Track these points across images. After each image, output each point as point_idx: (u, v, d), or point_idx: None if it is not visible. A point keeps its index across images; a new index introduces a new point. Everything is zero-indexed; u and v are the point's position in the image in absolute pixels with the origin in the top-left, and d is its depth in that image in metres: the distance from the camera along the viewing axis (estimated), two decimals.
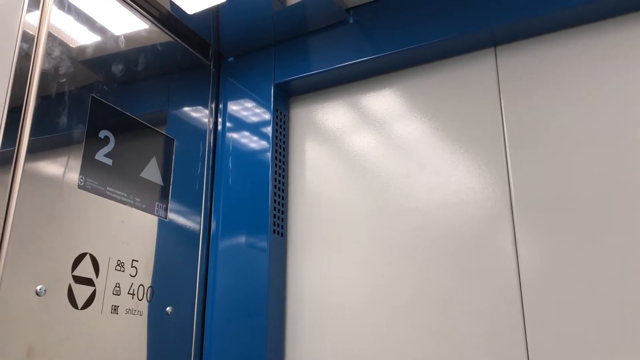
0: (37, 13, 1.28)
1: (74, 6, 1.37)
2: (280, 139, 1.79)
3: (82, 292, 1.26)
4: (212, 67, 1.91)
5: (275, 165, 1.73)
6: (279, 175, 1.74)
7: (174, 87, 1.72)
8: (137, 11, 1.59)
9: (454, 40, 1.56)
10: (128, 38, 1.53)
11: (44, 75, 1.25)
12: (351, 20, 1.71)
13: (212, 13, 1.72)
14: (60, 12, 1.33)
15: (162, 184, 1.58)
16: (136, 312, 1.41)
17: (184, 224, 1.64)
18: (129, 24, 1.56)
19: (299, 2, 1.66)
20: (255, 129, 1.79)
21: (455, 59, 1.62)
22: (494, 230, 1.41)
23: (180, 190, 1.64)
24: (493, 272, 1.39)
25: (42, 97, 1.24)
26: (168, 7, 1.65)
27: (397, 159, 1.62)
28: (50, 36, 1.29)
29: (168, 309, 1.51)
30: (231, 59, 1.93)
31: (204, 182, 1.76)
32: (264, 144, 1.75)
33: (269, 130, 1.75)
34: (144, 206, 1.49)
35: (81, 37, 1.38)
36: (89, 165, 1.33)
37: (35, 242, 1.17)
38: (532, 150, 1.43)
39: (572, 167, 1.37)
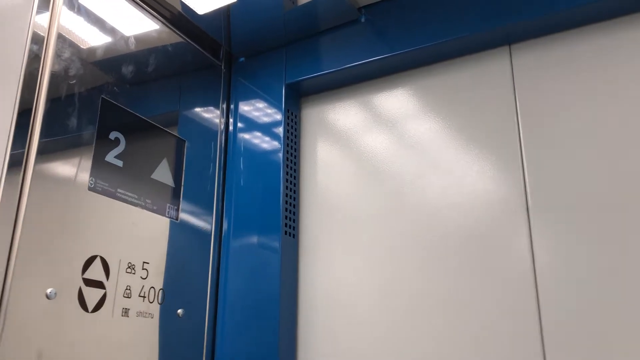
0: (47, 14, 1.27)
1: (84, 7, 1.37)
2: (292, 140, 1.77)
3: (92, 295, 1.25)
4: (223, 67, 1.90)
5: (287, 165, 1.71)
6: (291, 176, 1.73)
7: (184, 87, 1.71)
8: (148, 12, 1.58)
9: (468, 39, 1.54)
10: (138, 39, 1.53)
11: (54, 76, 1.25)
12: (363, 19, 1.69)
13: (223, 13, 1.71)
14: (70, 13, 1.33)
15: (174, 186, 1.57)
16: (147, 315, 1.40)
17: (196, 225, 1.63)
18: (139, 25, 1.55)
19: (310, 1, 1.64)
20: (266, 129, 1.77)
21: (469, 57, 1.60)
22: (510, 231, 1.39)
23: (191, 191, 1.63)
24: (509, 274, 1.36)
25: (52, 99, 1.23)
26: (179, 8, 1.64)
27: (409, 159, 1.60)
28: (60, 37, 1.28)
29: (179, 311, 1.50)
30: (242, 59, 1.92)
31: (216, 183, 1.75)
32: (275, 144, 1.73)
33: (280, 130, 1.73)
34: (155, 208, 1.48)
35: (91, 38, 1.38)
36: (99, 166, 1.32)
37: (45, 244, 1.17)
38: (549, 150, 1.40)
39: (590, 166, 1.34)
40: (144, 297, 1.40)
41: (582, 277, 1.27)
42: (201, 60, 1.80)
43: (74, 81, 1.30)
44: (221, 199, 1.75)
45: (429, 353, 1.41)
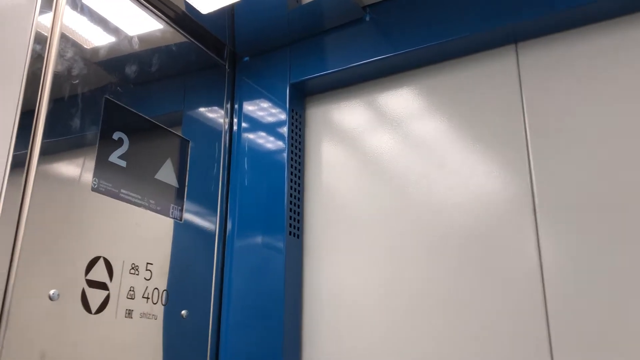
0: (50, 14, 1.27)
1: (87, 7, 1.36)
2: (296, 139, 1.76)
3: (95, 297, 1.24)
4: (227, 67, 1.89)
5: (291, 166, 1.70)
6: (295, 176, 1.72)
7: (188, 87, 1.70)
8: (151, 11, 1.57)
9: (474, 38, 1.52)
10: (142, 38, 1.52)
11: (56, 77, 1.24)
12: (368, 18, 1.68)
13: (227, 12, 1.70)
14: (73, 12, 1.32)
15: (177, 186, 1.56)
16: (151, 316, 1.39)
17: (200, 226, 1.62)
18: (143, 25, 1.54)
19: (315, 0, 1.63)
20: (271, 129, 1.76)
21: (475, 56, 1.58)
22: (516, 232, 1.37)
23: (195, 191, 1.62)
24: (515, 275, 1.34)
25: (54, 99, 1.22)
26: (182, 7, 1.63)
27: (415, 159, 1.58)
28: (63, 37, 1.28)
29: (183, 312, 1.49)
30: (246, 58, 1.91)
31: (220, 183, 1.74)
32: (279, 144, 1.72)
33: (284, 130, 1.72)
34: (158, 208, 1.47)
35: (94, 38, 1.37)
36: (102, 167, 1.32)
37: (48, 245, 1.16)
38: (556, 150, 1.38)
39: (598, 166, 1.32)
40: (148, 298, 1.39)
41: (590, 278, 1.26)
42: (205, 60, 1.79)
43: (77, 81, 1.29)
44: (225, 200, 1.74)
45: (434, 353, 1.39)
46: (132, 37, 1.48)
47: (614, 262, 1.24)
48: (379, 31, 1.65)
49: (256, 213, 1.69)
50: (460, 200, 1.47)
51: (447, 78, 1.61)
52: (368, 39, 1.66)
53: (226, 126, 1.82)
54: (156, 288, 1.42)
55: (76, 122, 1.27)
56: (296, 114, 1.79)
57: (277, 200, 1.66)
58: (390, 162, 1.62)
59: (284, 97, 1.76)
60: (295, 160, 1.73)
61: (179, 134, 1.60)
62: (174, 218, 1.52)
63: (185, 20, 1.68)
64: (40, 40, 1.23)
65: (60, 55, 1.26)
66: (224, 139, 1.80)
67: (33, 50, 1.21)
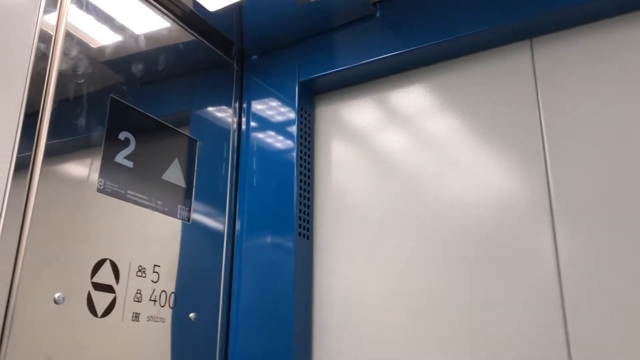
0: (55, 12, 1.24)
1: (93, 4, 1.34)
2: (306, 139, 1.73)
3: (101, 300, 1.22)
4: (235, 65, 1.86)
5: (301, 165, 1.67)
6: (305, 176, 1.69)
7: (196, 86, 1.68)
8: (158, 9, 1.55)
9: (487, 33, 1.48)
10: (148, 37, 1.50)
11: (61, 76, 1.22)
12: (378, 14, 1.65)
13: (235, 10, 1.67)
14: (79, 10, 1.30)
15: (185, 186, 1.54)
16: (158, 319, 1.36)
17: (208, 227, 1.60)
18: (149, 23, 1.52)
19: None
20: (279, 128, 1.73)
21: (488, 52, 1.54)
22: (533, 233, 1.33)
23: (203, 192, 1.59)
24: (531, 276, 1.31)
25: (59, 99, 1.20)
26: (189, 5, 1.60)
27: (427, 158, 1.55)
28: (68, 35, 1.26)
29: (191, 315, 1.47)
30: (255, 57, 1.88)
31: (228, 183, 1.71)
32: (288, 143, 1.69)
33: (293, 129, 1.69)
34: (166, 209, 1.45)
35: (100, 36, 1.35)
36: (108, 167, 1.29)
37: (53, 248, 1.14)
38: (573, 148, 1.34)
39: (616, 164, 1.28)
40: (155, 301, 1.36)
41: (609, 279, 1.22)
42: (213, 59, 1.77)
43: (83, 80, 1.27)
44: (234, 200, 1.72)
45: (448, 355, 1.36)
46: (138, 36, 1.46)
47: (633, 262, 1.20)
48: (389, 27, 1.61)
49: (265, 213, 1.66)
50: (473, 199, 1.44)
51: (459, 75, 1.57)
52: (378, 35, 1.62)
53: (234, 125, 1.79)
54: (164, 290, 1.39)
55: (81, 122, 1.25)
56: (305, 113, 1.76)
57: (286, 201, 1.63)
58: (401, 161, 1.59)
59: (293, 96, 1.73)
60: (305, 160, 1.71)
61: (187, 133, 1.58)
62: (181, 219, 1.50)
63: (193, 18, 1.66)
64: (45, 38, 1.21)
65: (65, 53, 1.24)
66: (233, 138, 1.77)
67: (37, 49, 1.19)
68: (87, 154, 1.26)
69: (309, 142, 1.75)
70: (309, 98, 1.81)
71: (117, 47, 1.39)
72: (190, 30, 1.67)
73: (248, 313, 1.59)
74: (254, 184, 1.72)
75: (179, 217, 1.49)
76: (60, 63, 1.22)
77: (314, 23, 1.71)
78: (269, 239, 1.63)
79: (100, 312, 1.22)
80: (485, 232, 1.40)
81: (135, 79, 1.43)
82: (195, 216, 1.55)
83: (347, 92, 1.77)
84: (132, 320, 1.29)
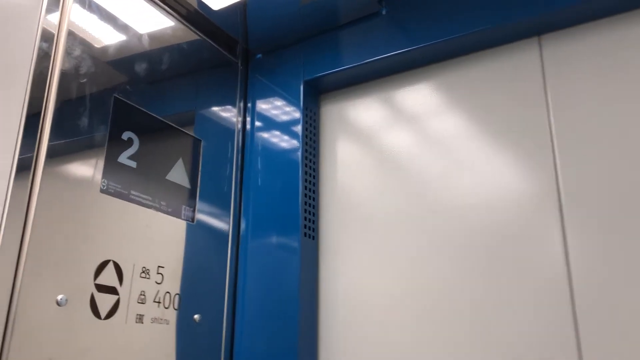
0: (57, 10, 1.23)
1: (95, 3, 1.33)
2: (311, 138, 1.71)
3: (105, 301, 1.21)
4: (240, 64, 1.85)
5: (306, 165, 1.66)
6: (310, 176, 1.67)
7: (200, 86, 1.66)
8: (161, 7, 1.54)
9: (494, 30, 1.46)
10: (152, 36, 1.48)
11: (64, 75, 1.21)
12: (384, 12, 1.63)
13: (239, 8, 1.65)
14: (81, 9, 1.29)
15: (189, 187, 1.52)
16: (162, 321, 1.35)
17: (212, 227, 1.58)
18: (153, 21, 1.51)
19: None
20: (284, 127, 1.72)
21: (496, 50, 1.52)
22: (542, 232, 1.31)
23: (208, 192, 1.58)
24: (542, 277, 1.28)
25: (62, 98, 1.19)
26: (193, 4, 1.59)
27: (434, 157, 1.53)
28: (71, 35, 1.24)
29: (196, 316, 1.45)
30: (259, 55, 1.87)
31: (233, 183, 1.70)
32: (294, 143, 1.67)
33: (298, 128, 1.68)
34: (170, 210, 1.44)
35: (103, 35, 1.33)
36: (111, 168, 1.28)
37: (55, 249, 1.13)
38: (583, 146, 1.32)
39: (626, 161, 1.25)
40: (159, 302, 1.35)
41: (620, 277, 1.19)
42: (217, 58, 1.75)
43: (85, 80, 1.26)
44: (239, 200, 1.70)
45: (454, 357, 1.34)
46: (141, 35, 1.45)
47: None
48: (395, 25, 1.59)
49: (270, 214, 1.65)
50: (481, 199, 1.41)
51: (467, 73, 1.55)
52: (384, 33, 1.60)
53: (239, 125, 1.78)
54: (168, 292, 1.38)
55: (84, 122, 1.23)
56: (310, 112, 1.74)
57: (291, 201, 1.61)
58: (408, 161, 1.57)
59: (298, 95, 1.71)
60: (310, 160, 1.69)
61: (191, 133, 1.56)
62: (185, 219, 1.48)
63: (197, 16, 1.64)
64: (47, 37, 1.20)
65: (68, 53, 1.23)
66: (237, 138, 1.76)
67: (40, 48, 1.18)
68: (90, 154, 1.24)
69: (314, 141, 1.73)
70: (314, 97, 1.79)
71: (120, 46, 1.38)
72: (194, 29, 1.65)
73: (253, 314, 1.57)
74: (259, 183, 1.71)
75: (183, 217, 1.47)
76: (63, 62, 1.21)
77: (319, 21, 1.69)
78: (274, 240, 1.61)
79: (103, 314, 1.20)
80: (493, 232, 1.37)
81: (138, 78, 1.42)
82: (200, 216, 1.53)
83: (352, 90, 1.76)
84: (136, 322, 1.28)
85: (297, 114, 1.70)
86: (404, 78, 1.66)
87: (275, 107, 1.77)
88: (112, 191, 1.27)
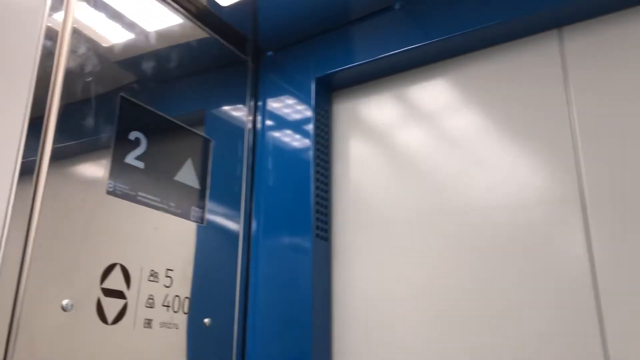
0: (61, 8, 1.20)
1: (101, 0, 1.29)
2: (323, 136, 1.67)
3: (112, 306, 1.18)
4: (250, 62, 1.81)
5: (318, 164, 1.61)
6: (322, 175, 1.63)
7: (210, 84, 1.63)
8: (169, 4, 1.50)
9: (512, 23, 1.41)
10: (159, 33, 1.45)
11: (68, 74, 1.17)
12: (397, 6, 1.58)
13: (249, 4, 1.62)
14: (86, 6, 1.25)
15: (199, 187, 1.49)
16: (171, 326, 1.32)
17: (222, 229, 1.55)
18: (160, 18, 1.47)
19: None
20: (296, 126, 1.68)
21: (514, 43, 1.47)
22: (565, 232, 1.26)
23: (218, 193, 1.54)
24: (566, 279, 1.23)
25: (66, 98, 1.16)
26: (202, 0, 1.55)
27: (451, 155, 1.48)
28: (76, 32, 1.21)
29: (206, 320, 1.42)
30: (270, 53, 1.83)
31: (243, 184, 1.66)
32: (305, 141, 1.63)
33: (310, 127, 1.64)
34: (179, 211, 1.40)
35: (109, 32, 1.30)
36: (118, 169, 1.25)
37: (60, 253, 1.09)
38: (607, 141, 1.26)
39: None
40: (168, 306, 1.32)
41: None
42: (227, 55, 1.72)
43: (90, 78, 1.22)
44: (249, 201, 1.67)
45: None
46: (148, 32, 1.42)
47: None
48: (409, 19, 1.55)
49: (281, 214, 1.61)
50: (500, 199, 1.36)
51: (483, 68, 1.50)
52: (398, 27, 1.56)
53: (249, 124, 1.74)
54: (177, 295, 1.35)
55: (90, 122, 1.20)
56: (322, 110, 1.70)
57: (303, 201, 1.57)
58: (423, 160, 1.52)
59: (309, 92, 1.67)
60: (322, 159, 1.65)
61: (200, 132, 1.53)
62: (195, 221, 1.45)
63: (205, 13, 1.60)
64: (51, 35, 1.17)
65: (73, 51, 1.19)
66: (248, 137, 1.72)
67: (43, 47, 1.14)
68: (96, 154, 1.21)
69: (326, 139, 1.69)
70: (326, 94, 1.75)
71: (127, 44, 1.35)
72: (203, 27, 1.62)
73: (265, 317, 1.54)
74: (270, 184, 1.67)
75: (192, 219, 1.44)
76: (67, 61, 1.18)
77: (331, 16, 1.65)
78: (285, 241, 1.57)
79: (110, 319, 1.17)
80: (513, 233, 1.32)
81: (145, 77, 1.38)
82: (210, 218, 1.50)
83: (365, 87, 1.71)
84: (144, 327, 1.25)
85: (309, 112, 1.66)
86: (418, 74, 1.61)
87: (287, 105, 1.73)
88: (119, 193, 1.24)
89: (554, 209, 1.28)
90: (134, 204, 1.28)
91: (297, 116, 1.69)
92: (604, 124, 1.27)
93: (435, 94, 1.56)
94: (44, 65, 1.14)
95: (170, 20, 1.50)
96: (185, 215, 1.42)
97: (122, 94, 1.29)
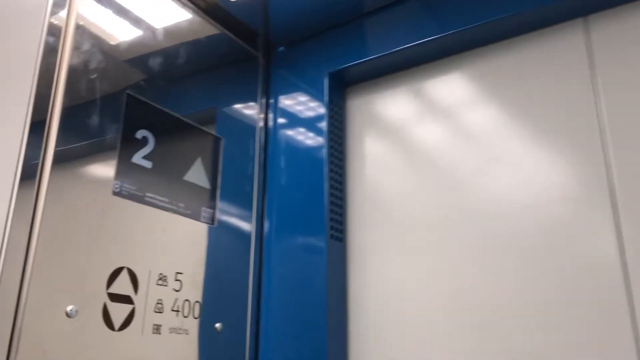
0: (65, 3, 1.16)
1: None
2: (337, 133, 1.62)
3: (119, 311, 1.13)
4: (261, 58, 1.76)
5: (332, 162, 1.56)
6: (336, 174, 1.58)
7: (220, 81, 1.59)
8: None
9: (535, 12, 1.34)
10: (167, 29, 1.41)
11: (72, 71, 1.13)
12: None
13: None
14: (91, 1, 1.21)
15: (209, 187, 1.44)
16: (181, 331, 1.27)
17: (234, 230, 1.50)
18: (167, 13, 1.43)
19: None
20: (309, 123, 1.63)
21: (536, 33, 1.40)
22: (595, 232, 1.19)
23: (228, 193, 1.50)
24: (595, 280, 1.16)
25: (70, 95, 1.12)
26: None
27: (470, 152, 1.42)
28: (79, 28, 1.17)
29: (217, 325, 1.38)
30: (281, 48, 1.78)
31: (255, 183, 1.61)
32: (318, 139, 1.58)
33: (323, 124, 1.58)
34: (188, 212, 1.36)
35: (113, 28, 1.26)
36: (125, 169, 1.21)
37: (64, 257, 1.05)
38: (638, 135, 1.19)
39: None
40: (178, 311, 1.27)
41: None
42: (237, 51, 1.67)
43: (95, 75, 1.18)
44: (261, 201, 1.62)
45: None
46: (155, 28, 1.37)
47: None
48: (425, 10, 1.49)
49: (295, 214, 1.56)
50: (524, 197, 1.30)
51: (504, 60, 1.44)
52: (414, 19, 1.50)
53: (261, 122, 1.70)
54: (187, 300, 1.30)
55: (95, 120, 1.16)
56: (336, 106, 1.65)
57: (316, 201, 1.52)
58: (441, 156, 1.46)
59: (322, 88, 1.62)
60: (336, 156, 1.60)
61: (210, 131, 1.48)
62: (205, 222, 1.41)
63: (215, 8, 1.56)
64: (54, 31, 1.13)
65: (76, 47, 1.15)
66: (259, 135, 1.67)
67: (46, 43, 1.11)
68: (102, 154, 1.17)
69: (340, 137, 1.64)
70: (340, 90, 1.70)
71: (133, 40, 1.31)
72: (213, 22, 1.58)
73: (278, 321, 1.49)
74: (283, 183, 1.62)
75: (202, 220, 1.40)
76: (71, 57, 1.14)
77: (343, 10, 1.60)
78: (299, 241, 1.53)
79: (117, 325, 1.13)
80: (538, 232, 1.26)
81: (152, 74, 1.34)
82: (221, 218, 1.46)
83: (380, 82, 1.65)
84: (153, 333, 1.20)
85: (322, 109, 1.61)
86: (435, 67, 1.55)
87: (299, 102, 1.68)
88: (126, 193, 1.20)
89: (582, 208, 1.22)
90: (142, 205, 1.23)
91: (310, 113, 1.64)
92: (635, 115, 1.20)
93: (452, 88, 1.50)
94: (47, 62, 1.10)
95: (178, 15, 1.46)
96: (195, 216, 1.38)
97: (128, 91, 1.25)
